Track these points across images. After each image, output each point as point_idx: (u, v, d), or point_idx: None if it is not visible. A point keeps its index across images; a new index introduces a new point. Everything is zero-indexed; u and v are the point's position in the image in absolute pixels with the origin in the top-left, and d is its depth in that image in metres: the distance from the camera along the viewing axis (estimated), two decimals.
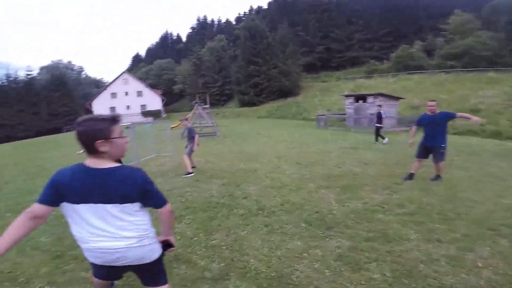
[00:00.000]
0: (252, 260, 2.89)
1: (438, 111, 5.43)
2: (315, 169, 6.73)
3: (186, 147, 6.81)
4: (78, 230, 1.49)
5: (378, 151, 9.24)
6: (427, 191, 4.96)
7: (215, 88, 43.48)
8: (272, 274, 2.66)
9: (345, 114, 19.60)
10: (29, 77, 45.25)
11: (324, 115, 19.41)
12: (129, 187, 1.45)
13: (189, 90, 46.67)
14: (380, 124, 11.14)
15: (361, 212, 4.08)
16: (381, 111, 11.36)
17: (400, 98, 19.64)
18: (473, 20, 35.70)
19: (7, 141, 29.52)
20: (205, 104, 21.28)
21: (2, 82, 42.38)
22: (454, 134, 14.62)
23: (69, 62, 71.85)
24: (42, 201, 1.43)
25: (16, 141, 27.13)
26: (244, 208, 4.34)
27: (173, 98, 53.66)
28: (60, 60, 68.78)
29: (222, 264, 2.85)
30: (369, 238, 3.29)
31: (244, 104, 38.32)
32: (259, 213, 4.16)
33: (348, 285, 2.47)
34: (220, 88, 44.42)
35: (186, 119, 7.13)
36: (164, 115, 44.22)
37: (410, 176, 5.63)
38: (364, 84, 31.17)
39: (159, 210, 1.60)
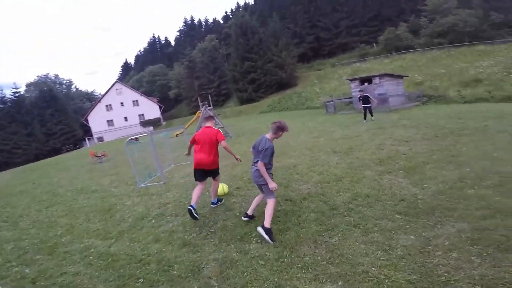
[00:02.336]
0: (373, 268, 2.49)
1: None
2: (359, 155, 6.30)
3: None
4: None
5: (407, 127, 8.82)
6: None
7: (212, 89, 42.82)
8: (414, 277, 2.32)
9: (351, 98, 19.32)
10: (16, 95, 41.26)
11: (331, 101, 19.01)
12: None
13: (185, 93, 46.06)
14: (367, 104, 12.15)
15: (448, 192, 3.72)
16: (366, 94, 12.43)
17: (404, 76, 19.68)
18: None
19: (6, 169, 28.44)
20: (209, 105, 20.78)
21: None
22: (465, 103, 15.39)
23: (56, 76, 66.98)
24: None
25: (16, 168, 26.18)
26: (313, 211, 3.82)
27: (170, 104, 52.89)
28: (47, 74, 65.09)
29: (340, 283, 2.39)
30: (484, 216, 2.99)
31: (243, 101, 37.83)
32: (335, 213, 3.69)
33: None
34: (217, 88, 43.80)
35: None
36: (163, 123, 43.48)
37: None
38: (360, 68, 31.27)
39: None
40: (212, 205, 4.57)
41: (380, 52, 36.58)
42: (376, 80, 17.48)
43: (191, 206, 3.82)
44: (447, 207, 3.31)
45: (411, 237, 2.87)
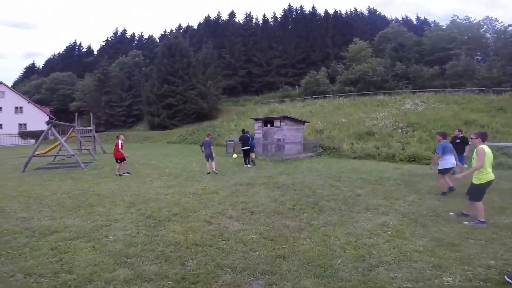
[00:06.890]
0: None
1: None
2: (169, 231, 4.26)
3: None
4: None
5: (276, 187, 7.41)
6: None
7: (121, 108, 38.07)
8: None
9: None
10: None
11: (232, 140, 17.41)
12: None
13: (88, 108, 39.92)
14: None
15: None
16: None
17: (305, 121, 19.08)
18: (366, 47, 39.88)
19: None
20: (89, 125, 17.28)
21: None
22: (355, 158, 14.46)
23: None
24: None
25: None
26: None
27: (68, 118, 44.94)
28: None
29: None
30: None
31: (154, 126, 34.28)
32: None
33: None
34: (128, 107, 39.19)
35: None
36: (51, 137, 35.82)
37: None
38: (276, 109, 31.29)
39: None
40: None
41: (299, 95, 37.39)
42: (277, 123, 16.71)
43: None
44: None
45: None
